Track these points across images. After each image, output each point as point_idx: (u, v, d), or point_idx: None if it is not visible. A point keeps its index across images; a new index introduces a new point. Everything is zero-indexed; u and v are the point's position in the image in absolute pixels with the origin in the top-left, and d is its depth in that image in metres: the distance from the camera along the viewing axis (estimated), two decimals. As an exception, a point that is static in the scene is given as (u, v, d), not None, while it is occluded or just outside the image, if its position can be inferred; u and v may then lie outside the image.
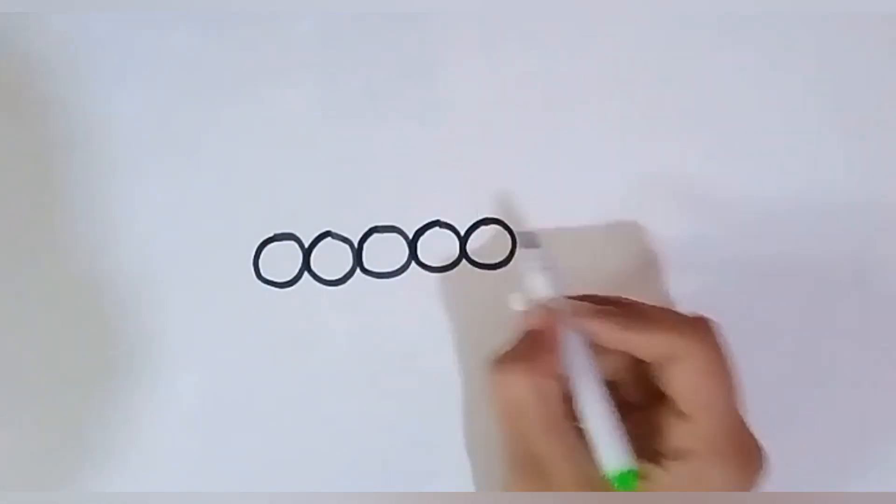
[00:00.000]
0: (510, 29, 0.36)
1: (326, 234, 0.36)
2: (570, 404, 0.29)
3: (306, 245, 0.36)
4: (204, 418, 0.36)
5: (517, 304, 0.31)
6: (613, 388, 0.30)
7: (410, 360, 0.36)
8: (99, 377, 0.36)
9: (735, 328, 0.35)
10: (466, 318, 0.35)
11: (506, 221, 0.36)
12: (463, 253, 0.36)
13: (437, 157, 0.36)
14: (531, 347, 0.29)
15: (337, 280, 0.36)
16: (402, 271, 0.36)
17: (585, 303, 0.30)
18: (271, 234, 0.36)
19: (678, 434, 0.28)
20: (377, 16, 0.36)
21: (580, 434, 0.29)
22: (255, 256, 0.36)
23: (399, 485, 0.35)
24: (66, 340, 0.36)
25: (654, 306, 0.30)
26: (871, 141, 0.35)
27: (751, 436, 0.29)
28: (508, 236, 0.36)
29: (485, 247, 0.36)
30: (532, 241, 0.32)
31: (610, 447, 0.28)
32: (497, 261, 0.36)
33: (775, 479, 0.33)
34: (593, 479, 0.28)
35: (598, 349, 0.29)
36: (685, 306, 0.35)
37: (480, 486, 0.35)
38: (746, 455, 0.28)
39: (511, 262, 0.36)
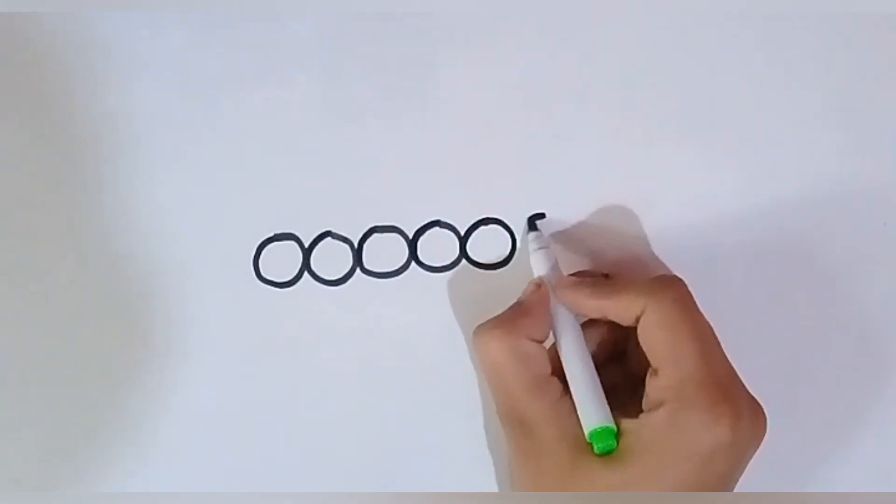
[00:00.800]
0: (510, 29, 0.36)
1: (326, 234, 0.36)
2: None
3: (306, 245, 0.36)
4: (204, 418, 0.36)
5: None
6: (621, 366, 0.32)
7: (410, 360, 0.36)
8: (99, 377, 0.36)
9: (735, 326, 0.35)
10: (466, 318, 0.35)
11: (506, 221, 0.36)
12: (463, 253, 0.36)
13: (437, 157, 0.36)
14: (510, 313, 0.31)
15: (337, 280, 0.36)
16: (402, 271, 0.36)
17: (567, 276, 0.33)
18: (271, 234, 0.36)
19: (651, 388, 0.29)
20: (377, 15, 0.36)
21: (568, 395, 0.30)
22: (255, 256, 0.36)
23: (399, 485, 0.35)
24: (66, 340, 0.36)
25: (628, 277, 0.32)
26: (871, 141, 0.35)
27: (734, 388, 0.29)
28: (508, 236, 0.36)
29: (485, 247, 0.36)
30: (532, 224, 0.35)
31: (588, 406, 0.29)
32: (497, 261, 0.36)
33: (774, 478, 0.33)
34: (578, 438, 0.29)
35: (590, 322, 0.32)
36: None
37: (481, 486, 0.35)
38: (723, 404, 0.28)
39: (511, 262, 0.36)
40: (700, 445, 0.27)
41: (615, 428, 0.29)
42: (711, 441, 0.27)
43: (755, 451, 0.29)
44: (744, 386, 0.29)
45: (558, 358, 0.31)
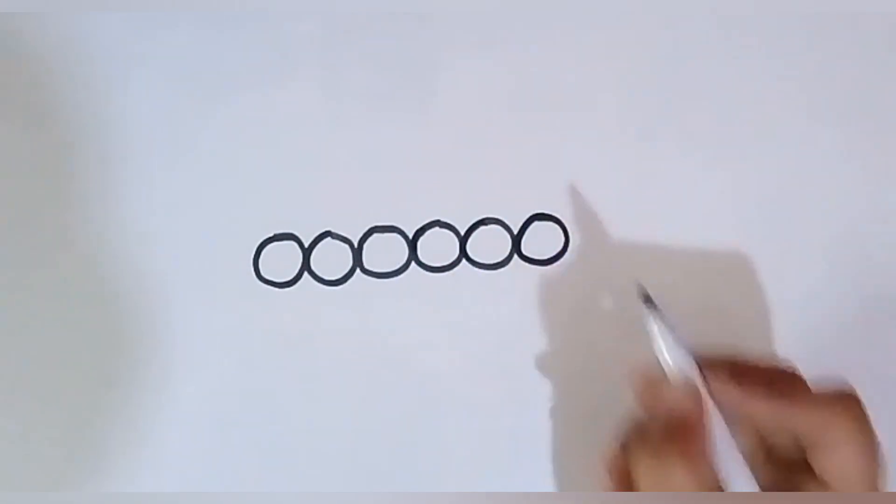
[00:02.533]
0: (510, 29, 0.36)
1: (326, 234, 0.36)
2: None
3: (306, 245, 0.36)
4: (204, 418, 0.36)
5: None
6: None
7: (410, 360, 0.36)
8: (99, 377, 0.36)
9: (735, 326, 0.35)
10: (466, 318, 0.35)
11: (506, 221, 0.36)
12: (463, 253, 0.36)
13: (437, 157, 0.36)
14: (685, 430, 0.28)
15: (337, 280, 0.36)
16: (402, 271, 0.36)
17: (721, 375, 0.29)
18: (271, 234, 0.36)
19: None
20: (377, 15, 0.36)
21: None
22: (255, 256, 0.36)
23: (399, 485, 0.35)
24: (66, 340, 0.36)
25: (804, 383, 0.29)
26: (870, 140, 0.35)
27: None
28: (508, 236, 0.36)
29: (485, 247, 0.36)
30: (650, 300, 0.30)
31: None
32: (497, 261, 0.36)
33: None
34: None
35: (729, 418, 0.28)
36: (682, 305, 0.35)
37: (481, 486, 0.35)
38: None
39: (511, 263, 0.36)
40: None
41: None
42: None
43: None
44: None
45: None
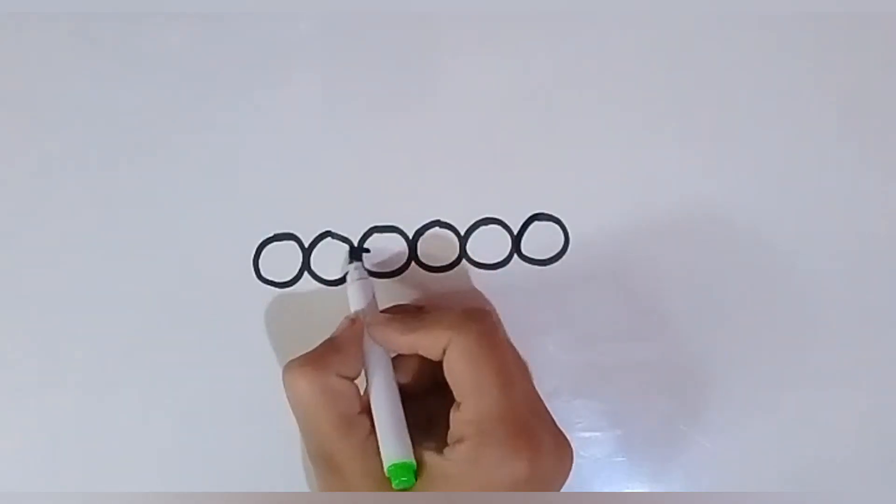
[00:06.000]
0: (510, 29, 0.36)
1: (326, 234, 0.36)
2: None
3: (306, 245, 0.36)
4: (203, 418, 0.36)
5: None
6: (434, 391, 0.31)
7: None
8: (99, 377, 0.36)
9: (734, 326, 0.35)
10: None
11: (506, 221, 0.36)
12: (463, 253, 0.36)
13: (437, 156, 0.36)
14: (321, 350, 0.31)
15: (337, 280, 0.36)
16: (402, 271, 0.36)
17: (379, 313, 0.32)
18: (271, 234, 0.36)
19: (454, 422, 0.29)
20: (377, 15, 0.36)
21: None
22: (255, 256, 0.36)
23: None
24: (66, 340, 0.36)
25: (440, 310, 0.31)
26: (870, 140, 0.35)
27: (536, 419, 0.29)
28: (508, 236, 0.36)
29: (485, 247, 0.36)
30: (356, 254, 0.35)
31: (388, 442, 0.29)
32: (497, 261, 0.36)
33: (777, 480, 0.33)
34: (382, 474, 0.29)
35: (401, 356, 0.31)
36: (681, 303, 0.35)
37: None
38: (522, 438, 0.28)
39: (511, 262, 0.36)
40: (498, 480, 0.27)
41: (414, 463, 0.29)
42: (509, 475, 0.27)
43: (562, 483, 0.29)
44: (549, 419, 0.29)
45: None
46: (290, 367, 0.30)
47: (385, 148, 0.36)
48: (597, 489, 0.35)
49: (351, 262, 0.35)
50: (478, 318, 0.30)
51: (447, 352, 0.29)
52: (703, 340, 0.35)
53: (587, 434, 0.35)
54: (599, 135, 0.36)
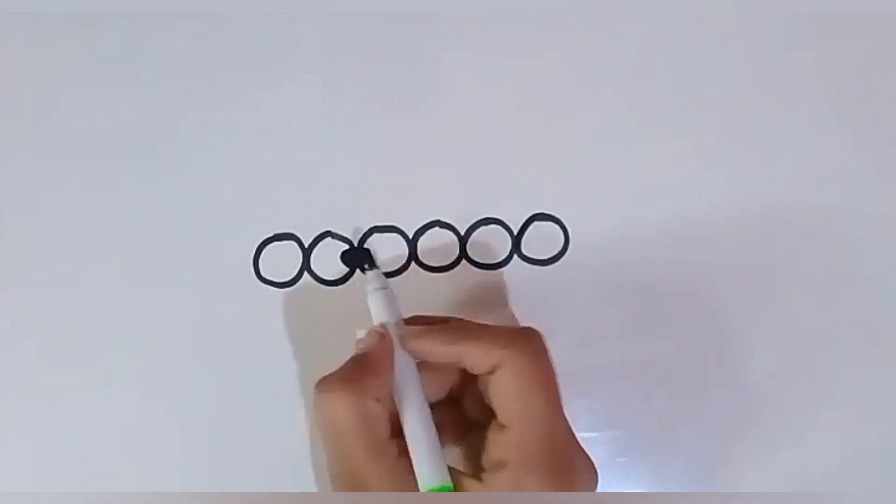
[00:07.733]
0: (510, 29, 0.36)
1: (326, 234, 0.36)
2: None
3: (306, 245, 0.36)
4: (204, 418, 0.36)
5: (360, 333, 0.31)
6: (456, 406, 0.31)
7: (410, 360, 0.36)
8: (98, 377, 0.36)
9: (734, 326, 0.35)
10: (466, 318, 0.35)
11: (506, 221, 0.36)
12: (463, 253, 0.36)
13: (437, 157, 0.36)
14: (357, 370, 0.29)
15: (337, 280, 0.36)
16: (402, 271, 0.36)
17: (413, 326, 0.31)
18: (271, 234, 0.36)
19: (496, 445, 0.29)
20: (377, 15, 0.36)
21: (405, 455, 0.29)
22: (255, 256, 0.36)
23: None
24: (66, 340, 0.36)
25: (482, 324, 0.30)
26: (870, 140, 0.35)
27: (572, 445, 0.29)
28: (508, 236, 0.36)
29: (485, 247, 0.36)
30: (369, 262, 0.34)
31: (424, 466, 0.29)
32: (497, 261, 0.36)
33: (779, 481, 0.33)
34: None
35: (433, 367, 0.30)
36: (681, 303, 0.35)
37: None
38: (562, 465, 0.28)
39: (511, 262, 0.36)
40: None
41: (451, 486, 0.29)
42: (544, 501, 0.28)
43: None
44: (577, 441, 0.29)
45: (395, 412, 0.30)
46: (328, 388, 0.29)
47: (385, 148, 0.36)
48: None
49: (366, 269, 0.33)
50: (532, 338, 0.29)
51: (498, 370, 0.28)
52: (703, 340, 0.35)
53: (587, 434, 0.35)
54: (599, 135, 0.36)
